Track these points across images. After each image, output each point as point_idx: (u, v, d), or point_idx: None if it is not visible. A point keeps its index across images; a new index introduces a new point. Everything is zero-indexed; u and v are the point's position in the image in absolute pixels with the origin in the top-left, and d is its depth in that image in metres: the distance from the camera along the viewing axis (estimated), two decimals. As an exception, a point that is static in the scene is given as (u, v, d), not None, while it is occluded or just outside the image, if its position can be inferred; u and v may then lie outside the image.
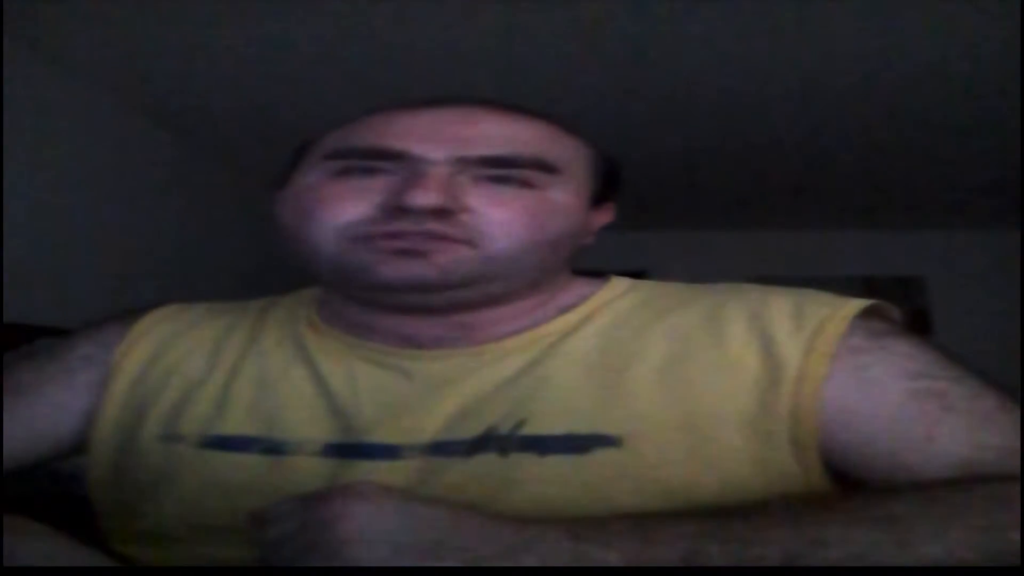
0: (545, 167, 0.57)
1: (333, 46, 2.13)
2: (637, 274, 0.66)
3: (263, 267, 2.79)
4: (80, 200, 2.39)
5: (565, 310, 0.60)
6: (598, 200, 0.63)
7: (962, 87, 2.33)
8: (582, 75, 2.25)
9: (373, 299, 0.58)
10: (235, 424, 0.58)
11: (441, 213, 0.53)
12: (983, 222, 3.88)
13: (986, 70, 2.20)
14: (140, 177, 2.68)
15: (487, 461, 0.52)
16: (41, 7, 1.91)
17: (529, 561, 0.41)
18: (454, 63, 2.20)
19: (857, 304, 0.55)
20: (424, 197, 0.53)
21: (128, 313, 0.68)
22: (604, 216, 0.65)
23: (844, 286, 3.58)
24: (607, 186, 0.64)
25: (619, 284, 0.63)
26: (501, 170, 0.56)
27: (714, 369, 0.53)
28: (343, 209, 0.56)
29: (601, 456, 0.51)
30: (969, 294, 3.89)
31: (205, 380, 0.62)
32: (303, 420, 0.57)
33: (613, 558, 0.41)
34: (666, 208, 3.82)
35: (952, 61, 2.16)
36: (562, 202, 0.58)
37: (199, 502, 0.55)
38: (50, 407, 0.63)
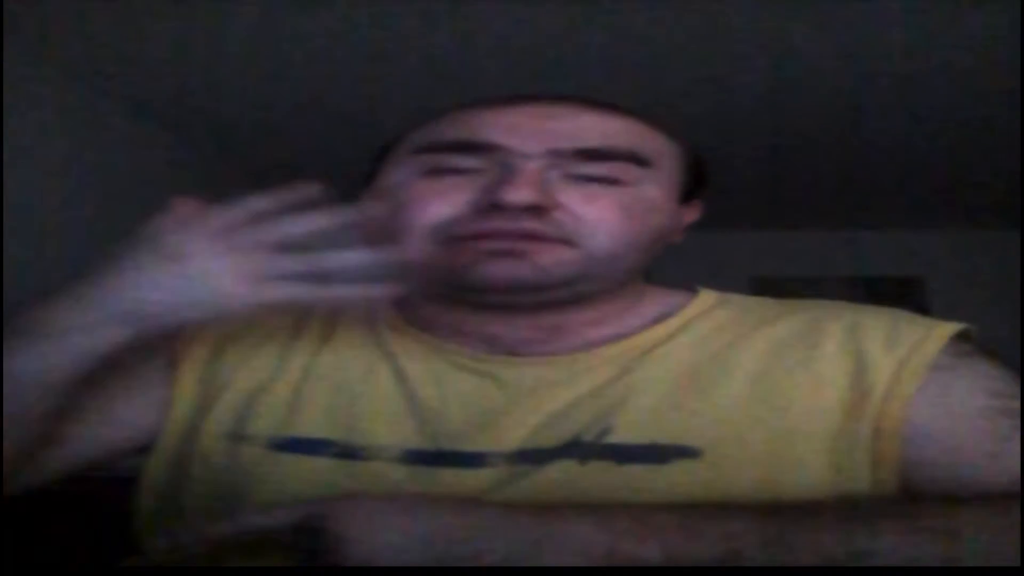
0: (639, 160, 0.56)
1: (335, 45, 2.13)
2: (637, 275, 0.66)
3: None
4: (80, 200, 2.38)
5: (658, 320, 0.59)
6: (686, 197, 0.62)
7: (962, 87, 2.33)
8: (578, 75, 2.25)
9: (465, 299, 0.57)
10: (309, 426, 0.56)
11: (536, 210, 0.52)
12: (983, 222, 3.87)
13: (986, 70, 2.20)
14: (141, 177, 2.68)
15: (565, 468, 0.51)
16: (41, 7, 1.91)
17: (557, 557, 0.40)
18: (469, 60, 2.20)
19: (951, 327, 0.54)
20: (518, 194, 0.52)
21: None
22: (692, 213, 0.64)
23: (844, 286, 3.53)
24: (695, 182, 0.63)
25: (709, 296, 0.63)
26: (595, 163, 0.55)
27: (803, 385, 0.53)
28: (434, 208, 0.55)
29: (679, 467, 0.50)
30: (969, 294, 3.87)
31: (275, 379, 0.59)
32: (384, 424, 0.55)
33: (650, 554, 0.40)
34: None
35: (952, 61, 2.16)
36: (655, 198, 0.57)
37: (265, 506, 0.52)
38: (120, 405, 0.60)
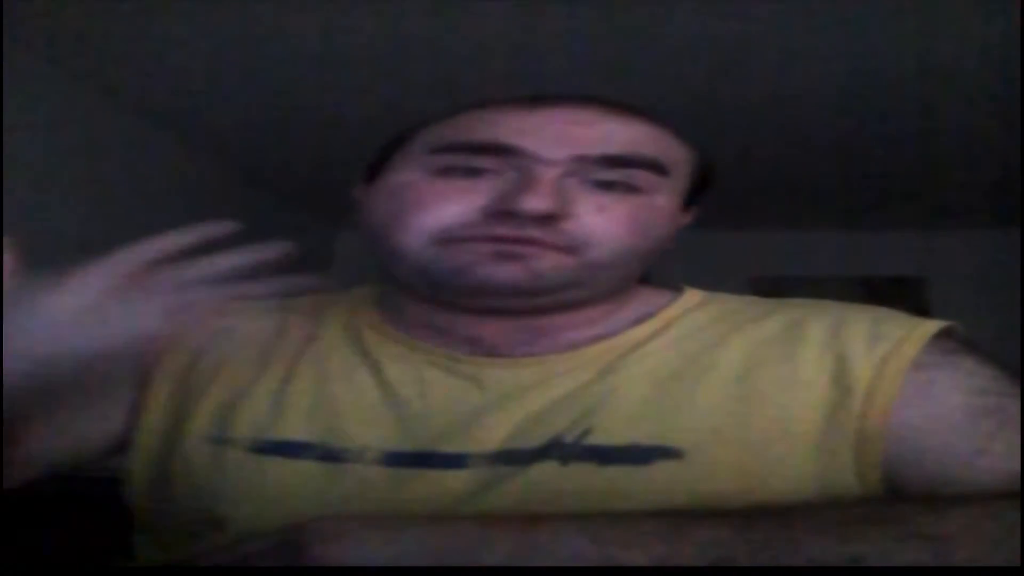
0: (659, 168, 0.55)
1: (335, 48, 2.13)
2: (638, 275, 0.66)
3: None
4: (79, 200, 2.38)
5: (640, 320, 0.59)
6: (687, 203, 0.62)
7: (962, 87, 2.33)
8: (578, 75, 2.25)
9: (455, 301, 0.56)
10: (291, 429, 0.56)
11: (548, 219, 0.52)
12: (983, 222, 3.88)
13: (986, 70, 2.20)
14: (140, 177, 2.68)
15: (546, 469, 0.50)
16: (40, 7, 1.91)
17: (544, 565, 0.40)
18: (469, 61, 2.20)
19: (933, 325, 0.54)
20: (537, 202, 0.50)
21: None
22: (686, 218, 0.64)
23: (844, 286, 3.53)
24: (698, 189, 0.63)
25: (694, 295, 0.62)
26: (618, 170, 0.54)
27: (785, 384, 0.52)
28: (443, 210, 0.53)
29: (661, 468, 0.49)
30: (969, 294, 3.87)
31: (257, 381, 0.59)
32: (364, 426, 0.55)
33: (637, 561, 0.40)
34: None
35: (952, 61, 2.16)
36: (665, 207, 0.57)
37: (249, 509, 0.53)
38: (90, 408, 0.60)
